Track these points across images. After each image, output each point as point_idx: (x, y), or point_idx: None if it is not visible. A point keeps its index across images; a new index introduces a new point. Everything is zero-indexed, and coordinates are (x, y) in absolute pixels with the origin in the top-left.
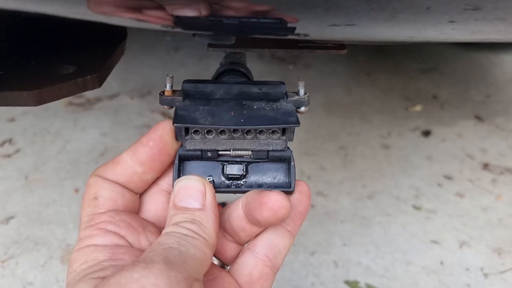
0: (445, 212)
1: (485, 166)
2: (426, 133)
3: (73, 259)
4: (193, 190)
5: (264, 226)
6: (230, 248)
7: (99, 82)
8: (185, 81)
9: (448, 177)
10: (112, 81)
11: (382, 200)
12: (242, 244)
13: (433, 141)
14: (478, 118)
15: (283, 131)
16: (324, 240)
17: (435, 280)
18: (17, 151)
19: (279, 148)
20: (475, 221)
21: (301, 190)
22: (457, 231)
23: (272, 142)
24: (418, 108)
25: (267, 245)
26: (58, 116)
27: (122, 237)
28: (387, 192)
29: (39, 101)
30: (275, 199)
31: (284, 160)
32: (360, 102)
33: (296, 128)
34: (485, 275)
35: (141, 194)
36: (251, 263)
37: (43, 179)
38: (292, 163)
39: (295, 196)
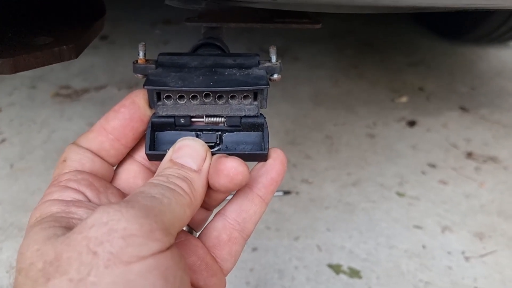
0: (429, 199)
1: (469, 155)
2: (412, 123)
3: (30, 217)
4: (195, 151)
5: (225, 192)
6: (198, 213)
7: (76, 53)
8: (161, 54)
9: (432, 165)
10: (99, 73)
11: (367, 187)
12: (209, 210)
13: (418, 131)
14: (463, 109)
15: (255, 96)
16: (308, 226)
17: (417, 263)
18: (3, 140)
19: (251, 113)
20: (458, 207)
21: (274, 156)
22: (439, 216)
23: (244, 108)
24: (404, 99)
25: (237, 209)
26: (44, 106)
27: (82, 193)
28: (372, 179)
29: (14, 69)
30: (231, 165)
31: (258, 128)
32: (346, 94)
33: (284, 118)
34: (466, 258)
35: (116, 168)
36: (220, 227)
37: (28, 168)
38: (265, 127)
39: (268, 162)
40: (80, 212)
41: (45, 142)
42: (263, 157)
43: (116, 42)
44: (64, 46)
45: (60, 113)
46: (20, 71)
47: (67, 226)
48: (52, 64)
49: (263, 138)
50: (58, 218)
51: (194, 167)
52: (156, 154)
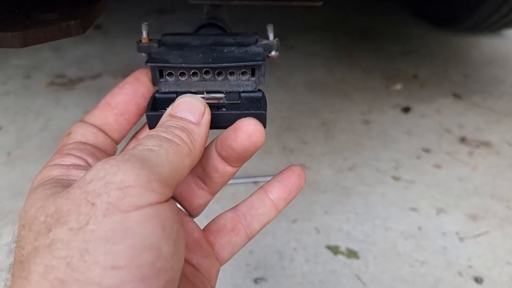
0: (423, 182)
1: (462, 140)
2: (406, 110)
3: (33, 181)
4: (194, 106)
5: (238, 158)
6: (198, 196)
7: (83, 29)
8: (164, 34)
9: (427, 150)
10: (94, 62)
11: (363, 172)
12: (212, 192)
13: (413, 117)
14: (456, 96)
15: (253, 72)
16: (306, 209)
17: (412, 244)
18: None
19: (249, 89)
20: (452, 190)
21: (293, 169)
22: (434, 199)
23: (242, 83)
24: (398, 86)
25: (248, 206)
26: (40, 95)
27: (83, 159)
28: (368, 164)
29: (24, 43)
30: (249, 122)
31: (257, 102)
32: (341, 82)
33: (280, 106)
34: (461, 238)
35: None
36: (228, 216)
37: (25, 155)
38: (263, 96)
39: (286, 173)
40: (80, 174)
41: (41, 130)
42: (262, 118)
43: (110, 31)
44: (72, 22)
45: (56, 101)
46: (29, 45)
47: (67, 186)
48: (60, 39)
49: (260, 103)
50: (59, 180)
51: (193, 120)
52: (156, 115)
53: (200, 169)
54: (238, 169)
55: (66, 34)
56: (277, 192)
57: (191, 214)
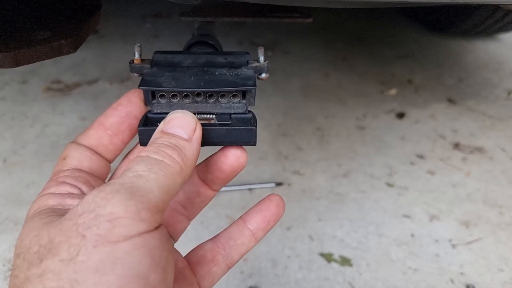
0: (417, 188)
1: (456, 145)
2: (400, 115)
3: (29, 209)
4: (185, 122)
5: (224, 179)
6: (180, 222)
7: (74, 47)
8: (156, 52)
9: (420, 156)
10: (91, 67)
11: (357, 178)
12: (190, 217)
13: (407, 123)
14: (450, 101)
15: (243, 95)
16: (300, 216)
17: (405, 251)
18: None
19: (240, 111)
20: (445, 196)
21: (271, 198)
22: (427, 205)
23: (233, 106)
24: (393, 91)
25: (227, 236)
26: (36, 101)
27: (78, 188)
28: (362, 170)
29: (15, 63)
30: (236, 149)
31: (247, 123)
32: (336, 86)
33: (275, 111)
34: (453, 245)
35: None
36: (207, 247)
37: (22, 162)
38: (253, 115)
39: (264, 202)
40: (75, 203)
41: (37, 136)
42: (252, 134)
43: (106, 36)
44: (63, 41)
45: (52, 107)
46: (20, 65)
47: (63, 215)
48: (51, 58)
49: (250, 123)
50: (55, 210)
51: (185, 136)
52: (148, 130)
53: (182, 195)
54: (216, 193)
55: (57, 53)
56: (256, 222)
57: (173, 238)
